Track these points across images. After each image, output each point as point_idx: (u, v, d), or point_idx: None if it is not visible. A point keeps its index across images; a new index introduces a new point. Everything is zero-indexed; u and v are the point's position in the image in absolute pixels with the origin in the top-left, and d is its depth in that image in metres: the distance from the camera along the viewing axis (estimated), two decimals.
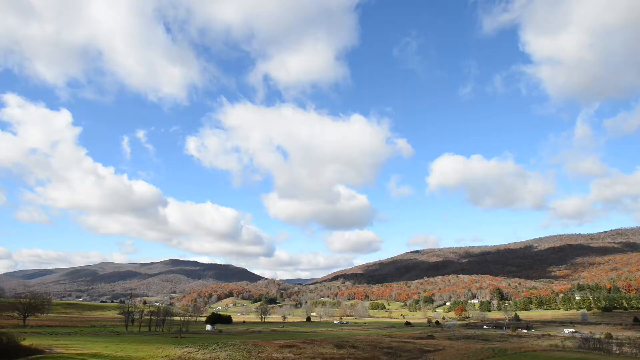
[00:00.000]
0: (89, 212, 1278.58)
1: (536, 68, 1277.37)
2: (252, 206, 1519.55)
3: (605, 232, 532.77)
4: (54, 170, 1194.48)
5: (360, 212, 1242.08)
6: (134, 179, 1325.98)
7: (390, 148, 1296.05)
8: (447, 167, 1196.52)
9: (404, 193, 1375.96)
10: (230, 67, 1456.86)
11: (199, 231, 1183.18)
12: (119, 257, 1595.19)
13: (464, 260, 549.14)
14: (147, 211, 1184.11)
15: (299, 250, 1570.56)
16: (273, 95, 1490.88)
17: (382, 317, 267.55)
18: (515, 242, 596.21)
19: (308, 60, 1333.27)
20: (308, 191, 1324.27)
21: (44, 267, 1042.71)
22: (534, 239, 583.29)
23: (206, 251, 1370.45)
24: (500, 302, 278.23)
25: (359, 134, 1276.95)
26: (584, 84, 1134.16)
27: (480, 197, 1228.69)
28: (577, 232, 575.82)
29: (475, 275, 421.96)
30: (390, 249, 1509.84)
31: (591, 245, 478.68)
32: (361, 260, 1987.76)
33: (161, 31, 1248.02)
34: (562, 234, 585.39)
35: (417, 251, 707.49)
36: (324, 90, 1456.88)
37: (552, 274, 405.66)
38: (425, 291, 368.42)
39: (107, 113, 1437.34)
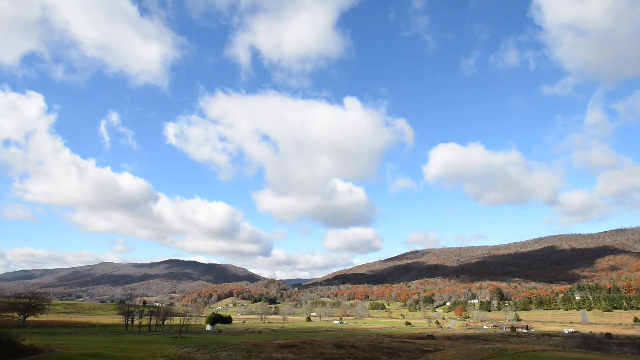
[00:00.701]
0: (75, 209, 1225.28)
1: (551, 37, 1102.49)
2: (242, 202, 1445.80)
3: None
4: (31, 163, 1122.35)
5: (357, 207, 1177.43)
6: (118, 172, 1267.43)
7: (388, 133, 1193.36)
8: (445, 157, 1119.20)
9: (403, 185, 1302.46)
10: (211, 43, 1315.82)
11: (193, 229, 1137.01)
12: (118, 257, 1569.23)
13: (464, 260, 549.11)
14: (136, 207, 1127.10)
15: (296, 249, 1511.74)
16: (260, 77, 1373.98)
17: (382, 317, 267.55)
18: (516, 243, 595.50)
19: (301, 30, 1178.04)
20: (302, 186, 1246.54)
21: (37, 266, 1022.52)
22: (534, 239, 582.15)
23: (201, 250, 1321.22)
24: (500, 302, 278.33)
25: (354, 119, 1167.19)
26: (609, 58, 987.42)
27: (481, 191, 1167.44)
28: (579, 232, 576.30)
29: (475, 275, 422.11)
30: (390, 249, 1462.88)
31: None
32: (360, 260, 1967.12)
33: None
34: (564, 233, 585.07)
35: (417, 251, 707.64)
36: (319, 67, 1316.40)
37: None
38: (425, 291, 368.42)
39: (78, 96, 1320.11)
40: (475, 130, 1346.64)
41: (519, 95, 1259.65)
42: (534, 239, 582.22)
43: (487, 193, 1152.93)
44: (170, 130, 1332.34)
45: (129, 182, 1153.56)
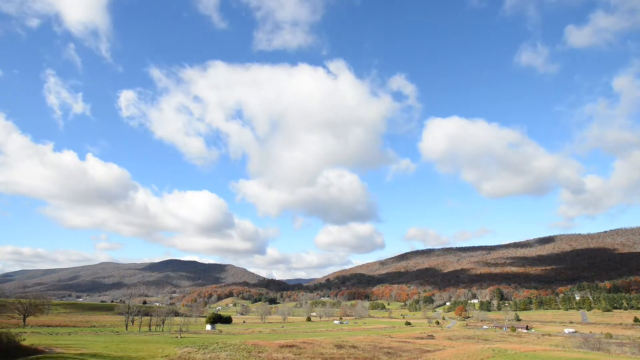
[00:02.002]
0: (45, 202, 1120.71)
1: None
2: (226, 193, 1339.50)
3: None
4: None
5: (352, 196, 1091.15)
6: (81, 155, 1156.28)
7: (386, 98, 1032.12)
8: (444, 133, 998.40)
9: (402, 167, 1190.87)
10: None
11: (182, 225, 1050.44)
12: (118, 258, 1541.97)
13: (464, 261, 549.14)
14: (116, 199, 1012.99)
15: (290, 247, 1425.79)
16: (231, 35, 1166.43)
17: (382, 317, 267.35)
18: (516, 242, 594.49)
19: None
20: (289, 175, 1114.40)
21: (26, 265, 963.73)
22: (534, 238, 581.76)
23: (194, 248, 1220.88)
24: (500, 302, 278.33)
25: (343, 86, 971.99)
26: None
27: (483, 177, 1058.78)
28: (579, 231, 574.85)
29: (475, 275, 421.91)
30: (390, 246, 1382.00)
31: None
32: (359, 259, 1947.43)
33: None
34: (564, 233, 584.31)
35: (417, 251, 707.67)
36: (304, 16, 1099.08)
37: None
38: (425, 291, 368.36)
39: (16, 56, 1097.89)
40: (476, 102, 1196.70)
41: (531, 45, 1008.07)
42: (534, 238, 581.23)
43: (490, 180, 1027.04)
44: (124, 101, 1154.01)
45: (101, 171, 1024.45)
